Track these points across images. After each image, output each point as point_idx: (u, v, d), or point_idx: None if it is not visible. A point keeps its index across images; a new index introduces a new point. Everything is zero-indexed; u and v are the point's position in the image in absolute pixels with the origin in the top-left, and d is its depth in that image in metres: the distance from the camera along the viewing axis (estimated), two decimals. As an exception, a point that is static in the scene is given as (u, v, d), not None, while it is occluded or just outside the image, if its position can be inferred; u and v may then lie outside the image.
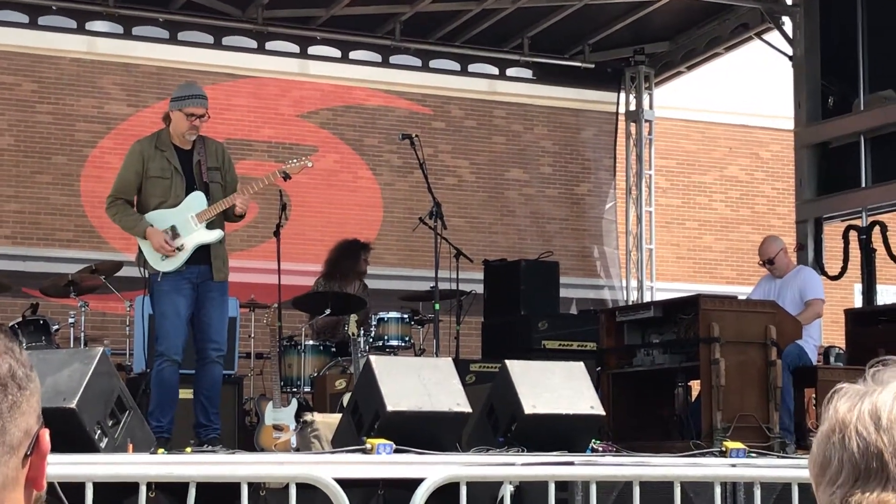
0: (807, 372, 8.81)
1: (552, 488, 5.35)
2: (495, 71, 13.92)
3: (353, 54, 13.28)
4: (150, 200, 7.36)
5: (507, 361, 7.19)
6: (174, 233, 7.27)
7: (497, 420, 7.06)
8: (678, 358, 8.43)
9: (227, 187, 7.48)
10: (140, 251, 7.34)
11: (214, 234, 7.37)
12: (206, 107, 7.41)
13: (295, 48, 13.05)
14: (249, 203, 7.46)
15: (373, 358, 6.86)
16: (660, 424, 8.57)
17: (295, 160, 7.60)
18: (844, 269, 11.30)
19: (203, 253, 7.34)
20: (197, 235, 7.32)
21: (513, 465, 6.05)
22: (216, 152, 7.52)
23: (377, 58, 13.36)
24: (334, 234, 11.39)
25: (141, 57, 12.48)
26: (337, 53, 13.22)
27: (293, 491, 4.94)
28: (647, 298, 13.63)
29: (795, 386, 8.78)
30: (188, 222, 7.30)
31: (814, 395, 9.27)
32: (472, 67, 13.81)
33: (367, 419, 6.61)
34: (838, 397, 1.55)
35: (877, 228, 11.00)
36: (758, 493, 5.78)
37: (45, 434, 1.59)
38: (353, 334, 9.23)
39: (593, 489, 5.48)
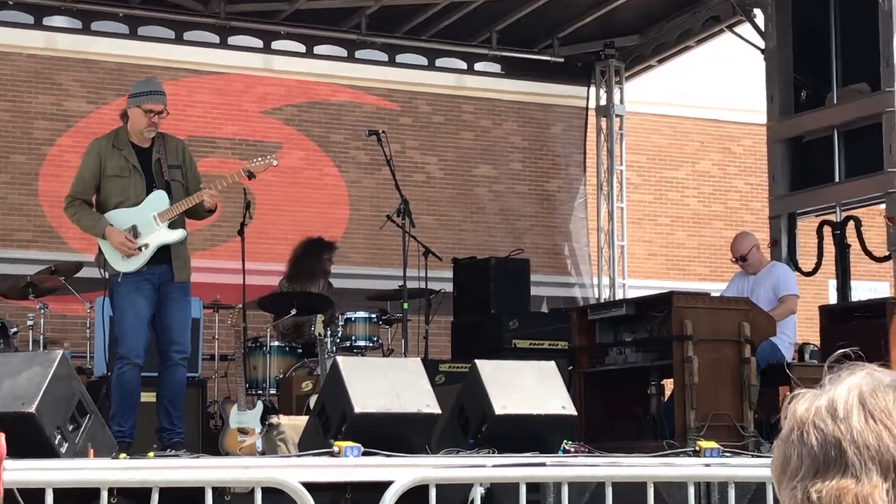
0: (780, 369, 8.85)
1: (523, 490, 5.35)
2: (463, 65, 13.91)
3: (318, 49, 13.25)
4: (109, 200, 7.31)
5: (477, 361, 7.19)
6: (135, 232, 7.23)
7: (467, 421, 7.06)
8: (651, 356, 8.44)
9: (188, 186, 7.45)
10: (100, 251, 7.30)
11: (177, 234, 7.34)
12: (165, 103, 7.37)
13: (259, 43, 13.01)
14: (217, 197, 7.42)
15: (340, 359, 6.86)
16: (633, 424, 8.58)
17: (260, 158, 7.57)
18: (819, 264, 11.34)
19: (164, 253, 7.30)
20: (159, 235, 7.28)
21: (483, 466, 6.05)
22: (176, 150, 7.48)
23: (343, 52, 13.33)
24: (299, 232, 11.36)
25: (100, 52, 12.41)
26: (301, 48, 13.19)
27: (259, 495, 4.92)
28: (619, 296, 13.66)
29: (769, 383, 8.81)
30: (150, 222, 7.26)
31: (788, 393, 9.30)
32: (439, 62, 13.80)
33: (334, 421, 6.59)
34: (796, 400, 1.60)
35: (851, 223, 11.05)
36: (732, 492, 5.80)
37: (1, 438, 1.57)
38: (320, 335, 9.21)
39: (565, 490, 5.48)
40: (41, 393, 6.00)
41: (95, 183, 7.31)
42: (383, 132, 8.99)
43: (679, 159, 16.25)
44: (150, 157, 7.35)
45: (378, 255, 13.07)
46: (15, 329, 9.26)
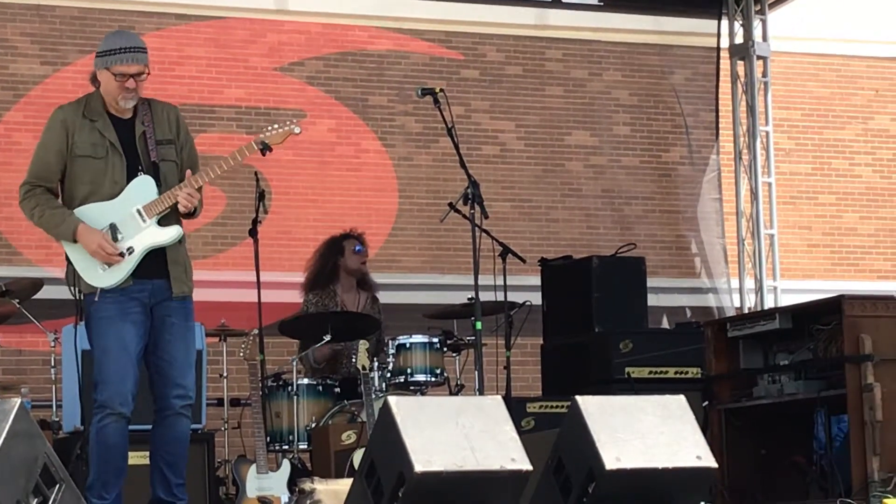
0: None
1: (649, 570, 5.37)
2: (547, -5, 13.96)
3: (349, -20, 13.35)
4: (78, 189, 7.35)
5: (577, 398, 7.20)
6: (114, 233, 7.29)
7: (568, 480, 7.08)
8: (816, 385, 8.44)
9: (183, 166, 7.48)
10: (69, 262, 7.37)
11: (170, 233, 7.36)
12: (144, 62, 7.37)
13: (269, -25, 13.13)
14: (198, 197, 7.35)
15: (392, 399, 6.89)
16: (794, 477, 8.57)
17: (276, 125, 7.58)
18: None
19: (156, 260, 7.31)
20: (146, 235, 7.30)
21: (593, 540, 6.07)
22: (167, 119, 7.51)
23: (383, -17, 13.42)
24: (331, 230, 11.40)
25: (57, -6, 12.55)
26: (327, -20, 13.29)
27: (292, 585, 4.98)
28: (769, 304, 13.62)
29: None
30: (133, 218, 7.30)
31: None
32: (513, -8, 13.85)
33: (387, 485, 6.63)
34: None
35: None
36: (935, 567, 5.79)
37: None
38: (364, 368, 9.25)
39: (706, 570, 5.50)
40: (-6, 456, 6.07)
41: (62, 164, 7.34)
42: (441, 91, 9.01)
43: (846, 115, 16.14)
44: (133, 131, 7.40)
45: (438, 257, 13.10)
46: (-45, 371, 9.41)
